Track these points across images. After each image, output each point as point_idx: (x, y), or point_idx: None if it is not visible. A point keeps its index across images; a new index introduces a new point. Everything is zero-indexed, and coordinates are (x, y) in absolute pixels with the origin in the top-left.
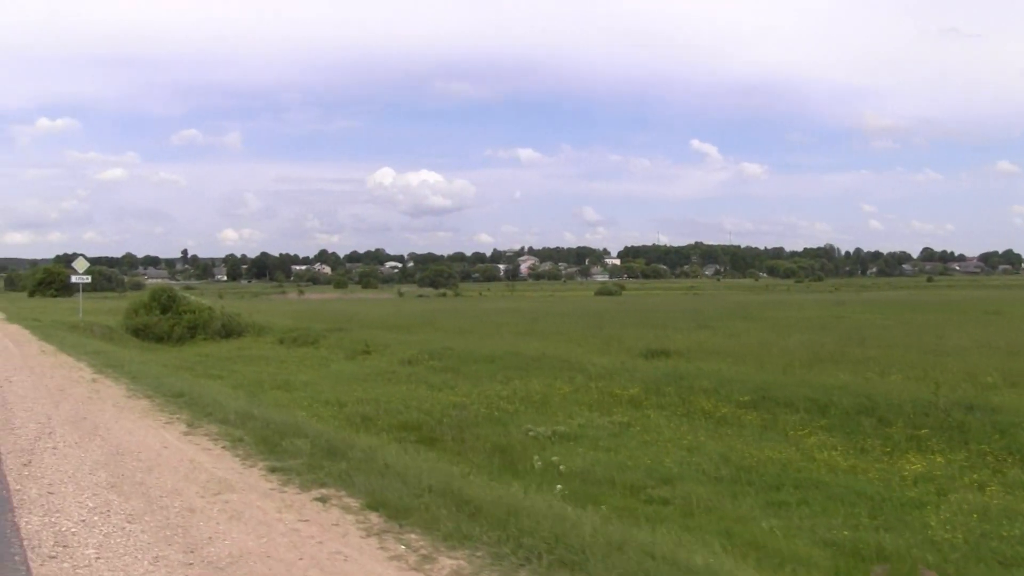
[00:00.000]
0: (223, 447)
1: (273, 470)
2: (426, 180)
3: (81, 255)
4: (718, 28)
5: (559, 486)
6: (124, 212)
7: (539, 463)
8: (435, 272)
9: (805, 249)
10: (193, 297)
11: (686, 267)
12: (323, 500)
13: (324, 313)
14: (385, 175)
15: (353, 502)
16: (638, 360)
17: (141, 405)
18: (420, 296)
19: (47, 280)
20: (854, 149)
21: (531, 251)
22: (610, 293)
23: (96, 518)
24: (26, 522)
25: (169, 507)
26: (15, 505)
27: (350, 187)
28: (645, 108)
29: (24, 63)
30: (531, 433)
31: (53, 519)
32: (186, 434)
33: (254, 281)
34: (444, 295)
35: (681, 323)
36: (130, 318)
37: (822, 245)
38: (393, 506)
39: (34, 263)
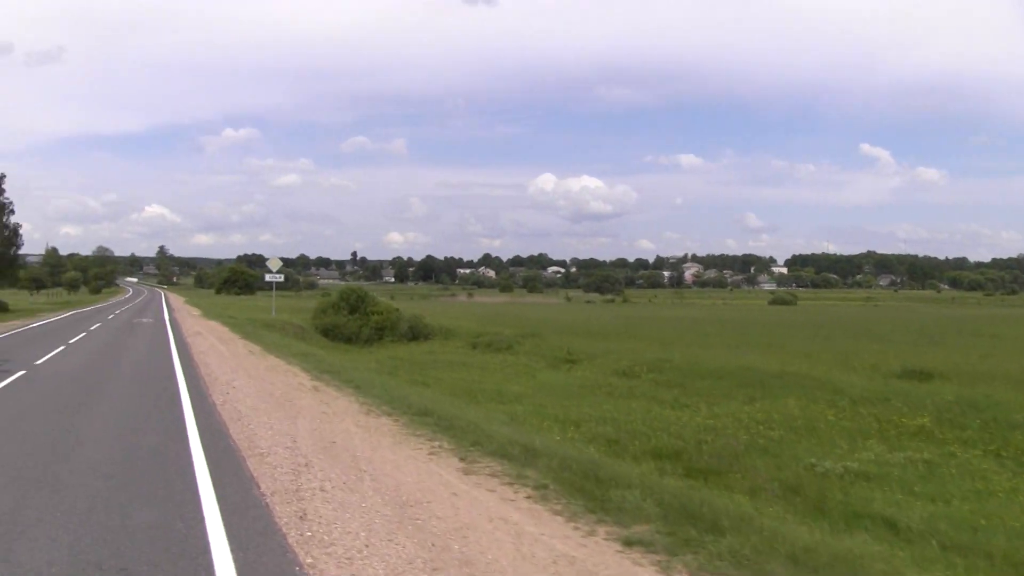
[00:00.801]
0: (527, 497)
1: (628, 543)
2: (587, 186)
3: (261, 255)
4: (891, 24)
5: None
6: (297, 215)
7: None
8: (601, 277)
9: (993, 259)
10: (381, 298)
11: (858, 277)
12: None
13: (504, 317)
14: (546, 181)
15: None
16: (898, 381)
17: (386, 425)
18: (588, 302)
19: (232, 279)
20: None
21: (694, 258)
22: (784, 302)
23: None
24: None
25: None
26: None
27: (511, 192)
28: (811, 112)
29: (214, 78)
30: (817, 468)
31: None
32: (466, 473)
33: (420, 283)
34: (612, 301)
35: (901, 337)
36: (319, 317)
37: (1013, 255)
38: None
39: (218, 262)
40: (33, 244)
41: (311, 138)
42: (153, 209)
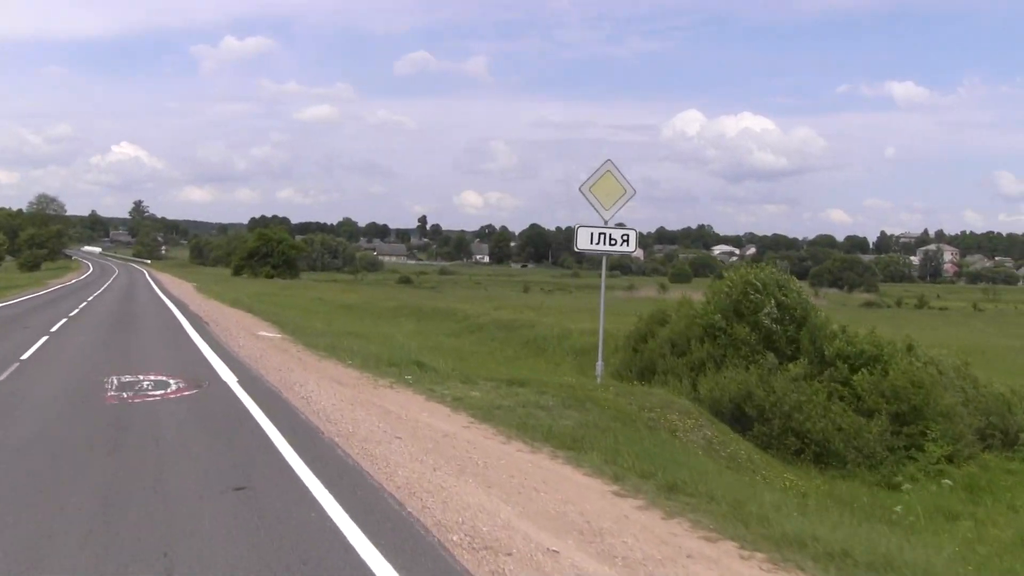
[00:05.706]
0: None
1: None
2: (749, 128)
3: (285, 216)
4: None
5: None
6: (333, 163)
7: None
8: (842, 263)
9: None
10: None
11: None
12: None
13: None
14: (689, 120)
15: None
16: None
17: None
18: (870, 304)
19: (260, 251)
20: None
21: (939, 236)
22: None
23: None
24: None
25: None
26: None
27: (639, 137)
28: None
29: None
30: None
31: None
32: None
33: (531, 265)
34: (898, 304)
35: None
36: (667, 359)
37: None
38: None
39: (222, 228)
40: None
41: (351, 53)
42: (124, 149)
